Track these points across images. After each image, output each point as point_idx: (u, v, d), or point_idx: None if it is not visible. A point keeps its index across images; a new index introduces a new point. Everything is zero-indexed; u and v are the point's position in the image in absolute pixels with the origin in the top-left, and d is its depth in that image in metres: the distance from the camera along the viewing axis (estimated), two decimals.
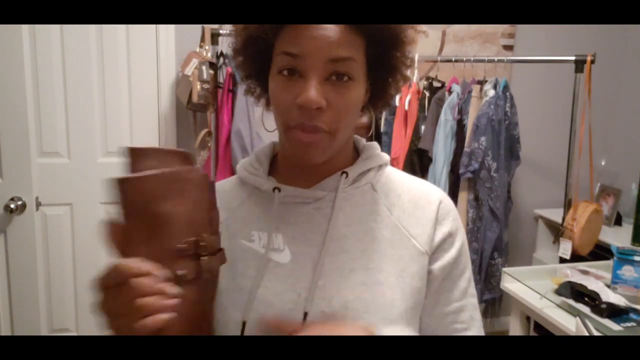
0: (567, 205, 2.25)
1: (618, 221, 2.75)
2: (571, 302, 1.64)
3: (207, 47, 2.29)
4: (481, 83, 2.42)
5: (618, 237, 2.49)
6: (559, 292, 1.69)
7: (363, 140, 0.81)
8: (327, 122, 0.65)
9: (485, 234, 2.40)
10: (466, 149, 2.34)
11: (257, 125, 2.31)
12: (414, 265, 0.71)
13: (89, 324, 2.50)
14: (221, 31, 2.31)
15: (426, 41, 2.71)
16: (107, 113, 2.37)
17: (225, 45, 2.30)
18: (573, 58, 2.18)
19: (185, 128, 2.48)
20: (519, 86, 2.80)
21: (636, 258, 1.66)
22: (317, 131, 0.65)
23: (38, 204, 1.79)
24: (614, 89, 3.04)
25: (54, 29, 2.26)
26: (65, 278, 2.43)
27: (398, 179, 0.79)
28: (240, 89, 2.27)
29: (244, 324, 0.67)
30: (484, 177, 2.35)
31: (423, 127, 2.40)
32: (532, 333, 1.99)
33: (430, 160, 2.37)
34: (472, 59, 2.39)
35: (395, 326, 0.67)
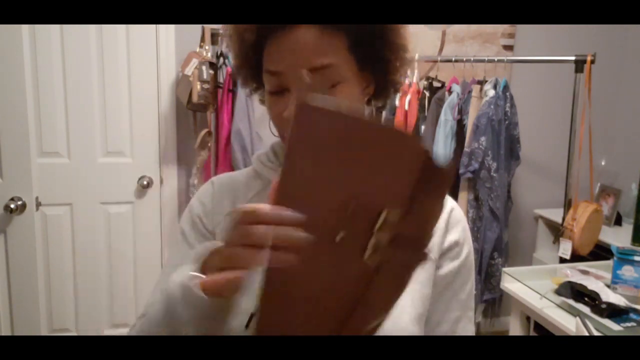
0: (567, 205, 2.25)
1: (618, 221, 2.75)
2: (571, 302, 1.64)
3: (207, 47, 2.29)
4: (481, 83, 2.42)
5: (618, 237, 2.49)
6: (559, 292, 1.69)
7: None
8: None
9: (485, 234, 2.40)
10: (466, 149, 2.34)
11: (257, 125, 2.31)
12: (423, 273, 0.71)
13: (89, 324, 2.50)
14: (221, 31, 2.31)
15: (426, 41, 2.71)
16: (107, 113, 2.37)
17: (225, 45, 2.30)
18: (573, 58, 2.18)
19: (185, 128, 2.48)
20: (519, 86, 2.80)
21: (636, 258, 1.66)
22: None
23: (38, 204, 1.79)
24: (614, 89, 3.04)
25: (54, 29, 2.26)
26: (65, 278, 2.43)
27: None
28: (241, 89, 2.27)
29: (251, 315, 0.67)
30: (484, 177, 2.35)
31: (423, 127, 2.40)
32: (532, 333, 1.99)
33: None
34: (472, 59, 2.39)
35: (405, 333, 0.67)
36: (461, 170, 2.34)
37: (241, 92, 2.28)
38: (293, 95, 0.64)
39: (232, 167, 2.34)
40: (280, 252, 0.44)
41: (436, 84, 2.52)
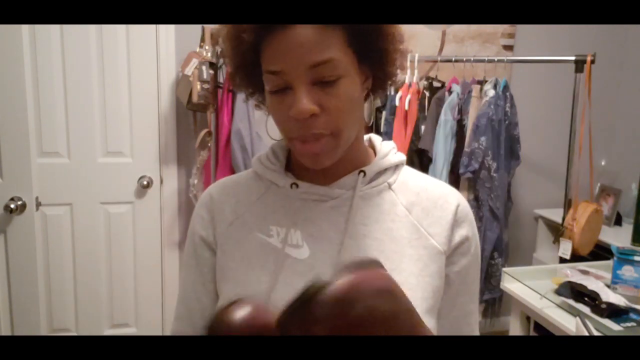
0: (567, 205, 2.25)
1: (618, 221, 2.75)
2: (571, 302, 1.64)
3: (207, 47, 2.29)
4: (481, 83, 2.42)
5: (618, 237, 2.49)
6: (559, 292, 1.69)
7: (379, 139, 0.81)
8: (325, 125, 0.65)
9: (485, 234, 2.40)
10: (466, 149, 2.34)
11: (257, 125, 2.31)
12: (433, 265, 0.71)
13: (89, 324, 2.51)
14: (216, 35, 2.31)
15: (426, 41, 2.71)
16: (107, 113, 2.37)
17: (220, 50, 2.29)
18: (573, 58, 2.18)
19: (185, 128, 2.48)
20: (519, 86, 2.80)
21: (636, 258, 1.66)
22: (319, 138, 0.66)
23: (38, 204, 1.79)
24: (614, 89, 3.04)
25: (54, 29, 2.26)
26: (65, 278, 2.43)
27: (415, 178, 0.79)
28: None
29: None
30: (484, 177, 2.36)
31: (423, 127, 2.40)
32: (532, 333, 1.99)
33: (430, 160, 2.37)
34: (472, 59, 2.39)
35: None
36: (461, 170, 2.34)
37: (241, 92, 2.27)
38: (297, 93, 0.64)
39: (232, 167, 2.34)
40: None
41: (436, 84, 2.53)
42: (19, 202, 1.73)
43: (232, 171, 2.31)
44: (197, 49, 2.31)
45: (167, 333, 2.22)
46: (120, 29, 2.34)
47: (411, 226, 0.73)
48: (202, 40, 2.31)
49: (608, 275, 1.75)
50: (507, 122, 2.40)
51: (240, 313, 0.46)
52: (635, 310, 1.55)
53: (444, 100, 2.40)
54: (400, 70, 0.73)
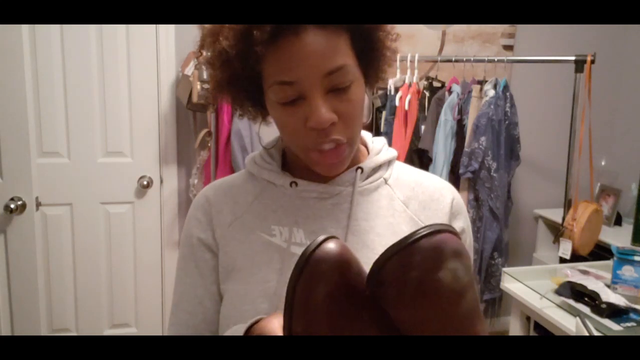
0: (567, 205, 2.25)
1: (618, 221, 2.75)
2: (571, 302, 1.64)
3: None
4: (481, 83, 2.42)
5: (618, 237, 2.49)
6: (559, 292, 1.69)
7: (370, 135, 0.81)
8: (342, 132, 0.65)
9: (485, 234, 2.40)
10: (466, 149, 2.34)
11: (257, 125, 2.31)
12: None
13: (89, 324, 2.51)
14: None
15: (426, 41, 2.71)
16: (107, 113, 2.37)
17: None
18: (573, 58, 2.18)
19: (185, 128, 2.48)
20: (519, 86, 2.80)
21: (636, 258, 1.66)
22: (337, 146, 0.66)
23: (38, 204, 1.79)
24: (614, 89, 3.04)
25: (54, 29, 2.26)
26: (65, 278, 2.43)
27: (408, 173, 0.80)
28: None
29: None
30: (484, 177, 2.35)
31: (423, 127, 2.40)
32: (532, 333, 1.99)
33: (430, 160, 2.38)
34: (472, 59, 2.39)
35: None
36: (461, 170, 2.34)
37: None
38: (313, 103, 0.62)
39: (232, 167, 2.34)
40: None
41: (436, 84, 2.52)
42: (19, 202, 1.73)
43: (232, 171, 2.32)
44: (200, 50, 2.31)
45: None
46: (120, 29, 2.34)
47: (410, 220, 0.74)
48: None
49: (608, 275, 1.75)
50: (507, 122, 2.40)
51: None
52: (635, 310, 1.55)
53: (444, 100, 2.40)
54: (388, 67, 0.74)
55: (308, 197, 0.73)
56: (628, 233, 2.45)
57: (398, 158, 0.82)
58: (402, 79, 2.43)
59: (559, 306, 1.65)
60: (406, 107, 2.37)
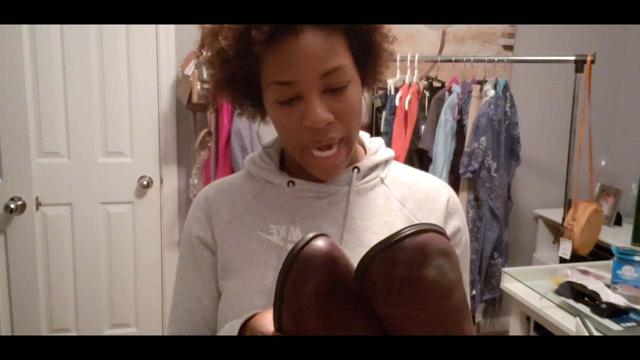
0: (567, 205, 2.25)
1: (618, 221, 2.75)
2: (571, 302, 1.64)
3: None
4: (481, 83, 2.42)
5: (618, 237, 2.49)
6: (559, 292, 1.69)
7: (367, 135, 0.82)
8: (339, 130, 0.66)
9: (485, 234, 2.40)
10: (466, 149, 2.34)
11: (257, 125, 2.31)
12: None
13: (89, 324, 2.50)
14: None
15: (426, 41, 2.71)
16: (107, 113, 2.37)
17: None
18: (573, 58, 2.18)
19: (185, 128, 2.48)
20: (519, 86, 2.80)
21: (636, 258, 1.66)
22: (333, 143, 0.66)
23: (38, 204, 1.79)
24: (614, 89, 3.04)
25: (54, 29, 2.26)
26: (65, 278, 2.43)
27: (405, 172, 0.80)
28: None
29: None
30: (484, 177, 2.35)
31: (423, 127, 2.40)
32: (532, 333, 1.99)
33: (430, 160, 2.37)
34: (472, 59, 2.39)
35: None
36: (461, 170, 2.34)
37: None
38: (310, 103, 0.63)
39: (232, 167, 2.34)
40: None
41: (436, 84, 2.52)
42: (19, 202, 1.73)
43: (232, 171, 2.32)
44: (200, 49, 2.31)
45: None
46: (120, 29, 2.34)
47: (406, 219, 0.75)
48: None
49: (608, 275, 1.75)
50: (507, 122, 2.40)
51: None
52: (635, 310, 1.55)
53: (444, 100, 2.40)
54: (385, 69, 0.74)
55: (305, 196, 0.74)
56: (628, 233, 2.45)
57: (398, 158, 0.82)
58: (402, 79, 2.43)
59: (559, 306, 1.65)
60: (406, 107, 2.37)
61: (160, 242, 2.54)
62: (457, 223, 0.77)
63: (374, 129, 2.58)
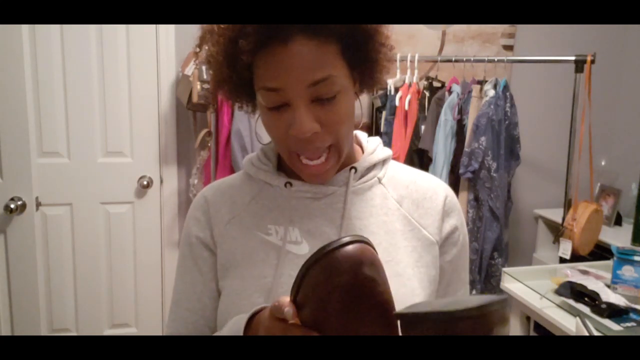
0: (567, 205, 2.25)
1: (618, 221, 2.75)
2: (571, 302, 1.64)
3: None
4: (481, 83, 2.42)
5: (618, 237, 2.49)
6: (559, 292, 1.69)
7: (365, 135, 0.82)
8: (326, 140, 0.67)
9: (485, 234, 2.39)
10: (466, 149, 2.34)
11: (257, 125, 2.31)
12: (427, 255, 0.74)
13: (89, 324, 2.50)
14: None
15: (426, 41, 2.71)
16: (107, 113, 2.37)
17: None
18: (573, 58, 2.18)
19: (185, 128, 2.48)
20: (519, 86, 2.80)
21: (636, 258, 1.66)
22: (320, 152, 0.67)
23: (38, 204, 1.79)
24: (614, 89, 3.04)
25: (54, 29, 2.26)
26: (65, 278, 2.43)
27: (403, 172, 0.81)
28: None
29: None
30: (484, 177, 2.35)
31: (423, 127, 2.40)
32: (532, 333, 1.99)
33: (430, 160, 2.37)
34: (472, 59, 2.38)
35: None
36: (461, 170, 2.34)
37: None
38: (297, 112, 0.64)
39: (232, 167, 2.34)
40: None
41: (436, 84, 2.52)
42: (19, 202, 1.73)
43: (232, 171, 2.31)
44: (197, 49, 2.31)
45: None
46: (120, 29, 2.34)
47: (403, 219, 0.75)
48: None
49: (608, 275, 1.75)
50: (507, 122, 2.40)
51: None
52: (635, 310, 1.55)
53: (444, 100, 2.40)
54: (386, 73, 0.74)
55: (303, 197, 0.75)
56: (628, 233, 2.45)
57: (398, 158, 0.83)
58: (402, 79, 2.43)
59: (559, 306, 1.65)
60: (406, 107, 2.37)
61: (160, 242, 2.54)
62: (454, 222, 0.77)
63: (374, 129, 2.58)
